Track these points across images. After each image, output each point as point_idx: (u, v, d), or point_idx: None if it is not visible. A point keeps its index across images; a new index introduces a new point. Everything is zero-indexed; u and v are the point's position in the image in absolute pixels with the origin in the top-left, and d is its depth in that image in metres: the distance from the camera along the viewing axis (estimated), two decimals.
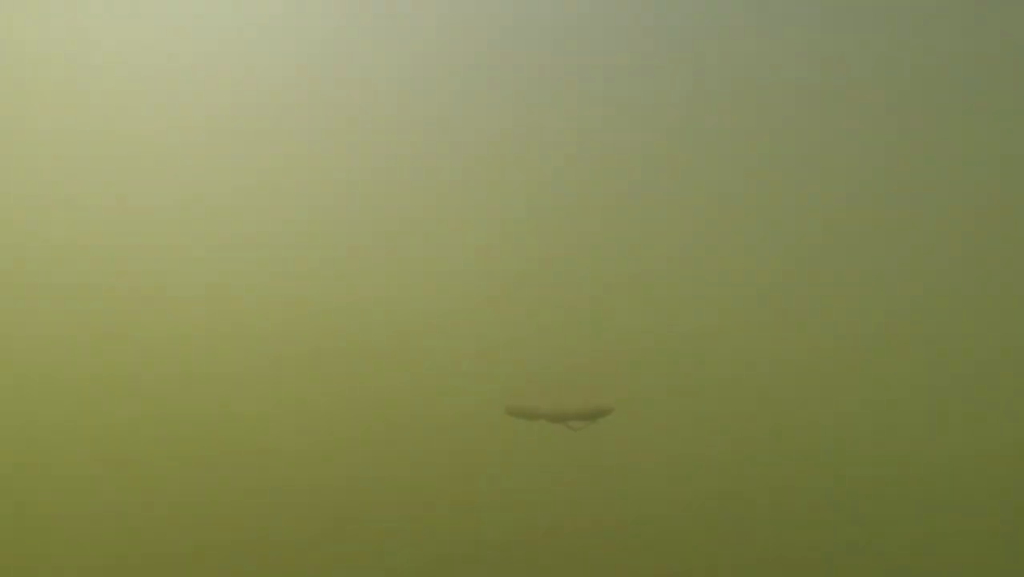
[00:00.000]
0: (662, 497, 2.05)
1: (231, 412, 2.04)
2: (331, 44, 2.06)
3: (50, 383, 2.01)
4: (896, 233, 2.02)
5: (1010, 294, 1.99)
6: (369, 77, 2.06)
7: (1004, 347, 1.99)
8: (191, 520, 2.02)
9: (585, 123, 2.06)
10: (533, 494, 2.05)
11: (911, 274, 2.02)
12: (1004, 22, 2.01)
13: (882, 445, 2.01)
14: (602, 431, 2.05)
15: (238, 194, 2.05)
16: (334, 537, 2.04)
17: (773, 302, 2.04)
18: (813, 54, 2.04)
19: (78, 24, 2.03)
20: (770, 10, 2.05)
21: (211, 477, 2.03)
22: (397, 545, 2.05)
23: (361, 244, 2.06)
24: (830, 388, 2.03)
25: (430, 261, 2.06)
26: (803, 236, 2.04)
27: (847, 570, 2.00)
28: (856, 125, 2.03)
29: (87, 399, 2.01)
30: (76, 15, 2.03)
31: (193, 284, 2.04)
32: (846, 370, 2.02)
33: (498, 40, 2.06)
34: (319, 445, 2.05)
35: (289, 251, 2.05)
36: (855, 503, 2.01)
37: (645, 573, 2.03)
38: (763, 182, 2.04)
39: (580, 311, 2.06)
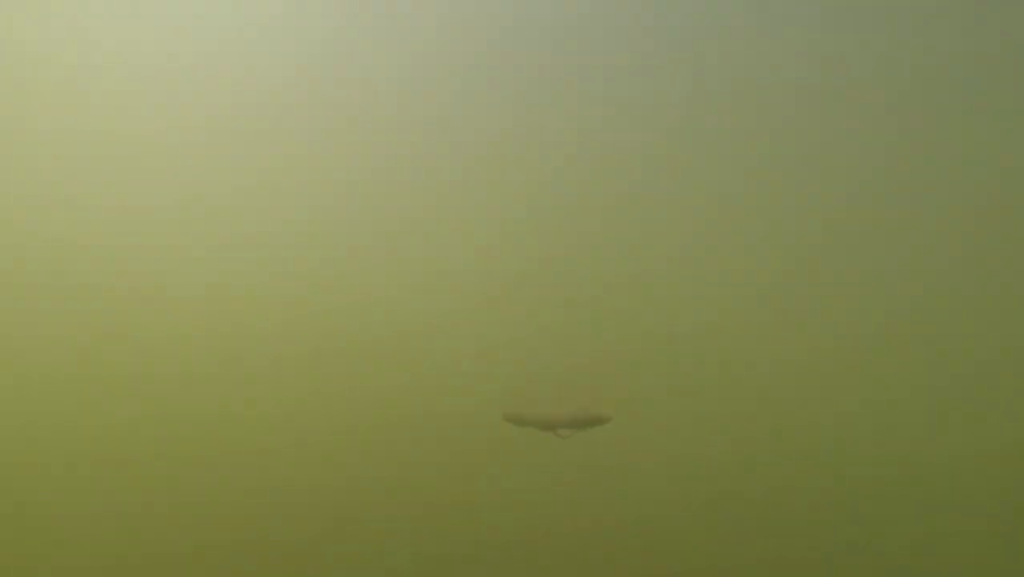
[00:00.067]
0: (662, 497, 2.05)
1: (231, 412, 2.04)
2: (331, 44, 2.06)
3: (50, 383, 2.01)
4: (896, 233, 2.02)
5: (1010, 294, 1.99)
6: (369, 77, 2.06)
7: (1004, 347, 1.99)
8: (191, 520, 2.02)
9: (585, 123, 2.06)
10: (533, 494, 2.05)
11: (911, 274, 2.02)
12: (1004, 22, 2.01)
13: (882, 445, 2.01)
14: (602, 431, 2.05)
15: (238, 194, 2.05)
16: (333, 537, 2.04)
17: (773, 302, 2.04)
18: (813, 54, 2.04)
19: (78, 24, 2.03)
20: (770, 10, 2.05)
21: (211, 477, 2.03)
22: (397, 545, 2.05)
23: (361, 244, 2.06)
24: (830, 388, 2.03)
25: (430, 261, 2.06)
26: (803, 236, 2.04)
27: (847, 570, 2.00)
28: (856, 125, 2.03)
29: (87, 399, 2.01)
30: (76, 15, 2.03)
31: (192, 284, 2.04)
32: (846, 370, 2.02)
33: (498, 40, 2.06)
34: (318, 445, 2.05)
35: (289, 251, 2.05)
36: (855, 503, 2.01)
37: (645, 573, 2.03)
38: (763, 182, 2.04)
39: (580, 311, 2.06)
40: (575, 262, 2.06)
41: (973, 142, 2.01)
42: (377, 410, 2.05)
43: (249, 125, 2.05)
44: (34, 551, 1.99)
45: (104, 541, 2.00)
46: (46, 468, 2.00)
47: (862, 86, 2.03)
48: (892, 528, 2.00)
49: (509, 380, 2.06)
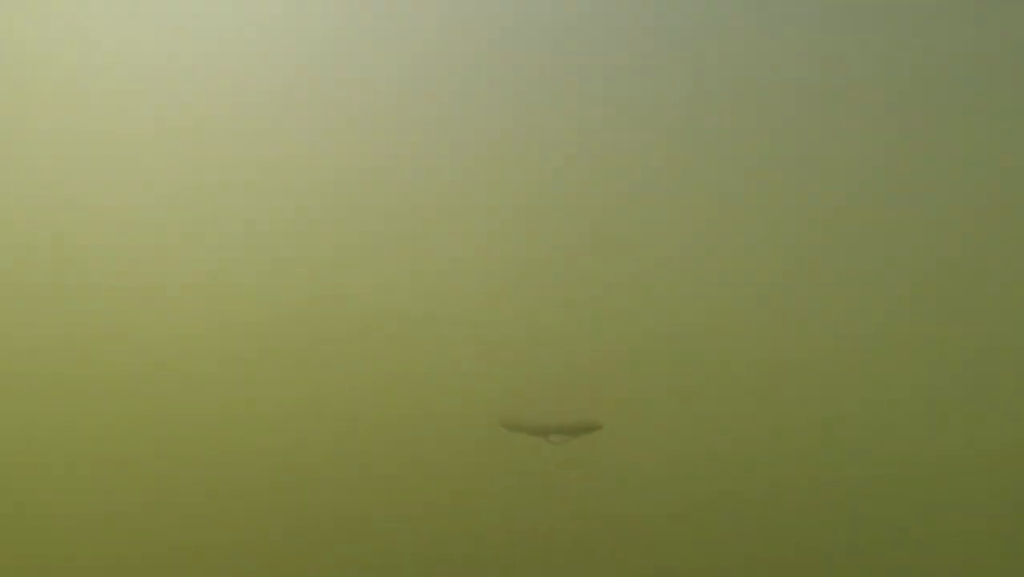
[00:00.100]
0: (660, 497, 2.04)
1: (230, 412, 2.04)
2: (331, 44, 2.06)
3: (50, 383, 2.01)
4: (896, 233, 2.02)
5: (1010, 294, 1.99)
6: (369, 77, 2.06)
7: (1004, 347, 1.99)
8: (190, 520, 2.02)
9: (585, 123, 2.06)
10: (531, 494, 2.05)
11: (911, 274, 2.02)
12: (1004, 22, 2.01)
13: (882, 445, 2.01)
14: (601, 431, 2.05)
15: (238, 194, 2.05)
16: (332, 537, 2.04)
17: (773, 302, 2.04)
18: (813, 54, 2.04)
19: (78, 24, 2.03)
20: (770, 10, 2.04)
21: (209, 476, 2.03)
22: (395, 545, 2.05)
23: (360, 244, 2.06)
24: (830, 388, 2.03)
25: (430, 261, 2.06)
26: (803, 236, 2.04)
27: (847, 570, 2.00)
28: (856, 125, 2.03)
29: (87, 399, 2.01)
30: (76, 15, 2.03)
31: (192, 284, 2.04)
32: (846, 370, 2.02)
33: (498, 40, 2.06)
34: (316, 445, 2.05)
35: (288, 251, 2.05)
36: (855, 503, 2.01)
37: (645, 573, 2.03)
38: (763, 182, 2.04)
39: (579, 312, 2.06)
40: (575, 262, 2.06)
41: (973, 142, 2.01)
42: (376, 410, 2.05)
43: (249, 125, 2.05)
44: (34, 551, 1.99)
45: (104, 541, 2.00)
46: (45, 468, 2.00)
47: (862, 86, 2.03)
48: (892, 528, 2.00)
49: (508, 380, 2.06)
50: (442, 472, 2.05)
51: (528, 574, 2.04)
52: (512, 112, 2.06)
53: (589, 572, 2.04)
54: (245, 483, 2.03)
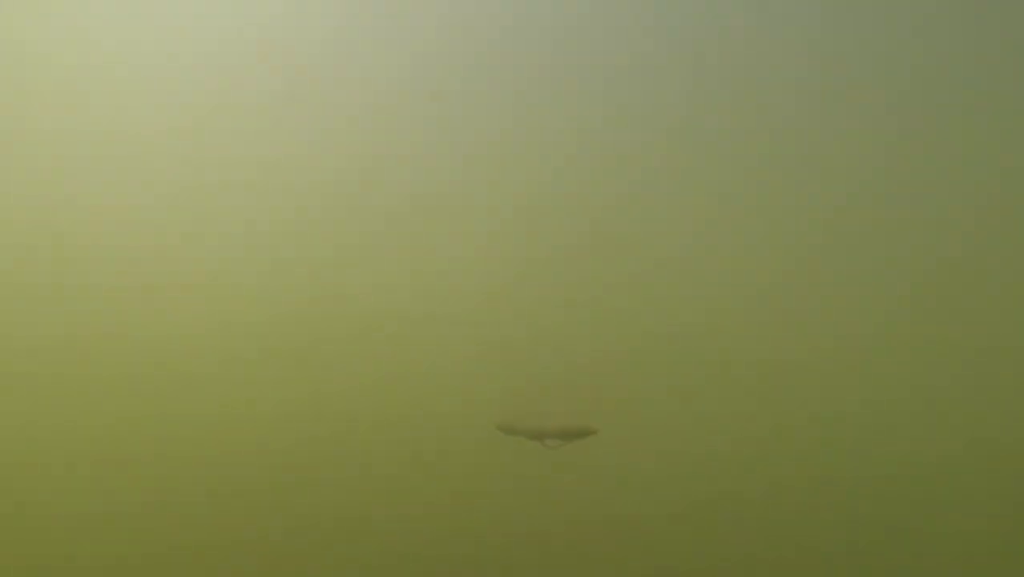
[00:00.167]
0: (660, 498, 2.04)
1: (231, 412, 2.04)
2: (331, 44, 2.06)
3: (50, 383, 2.01)
4: (896, 233, 2.02)
5: (1010, 294, 1.99)
6: (369, 77, 2.06)
7: (1004, 347, 1.99)
8: (190, 520, 2.02)
9: (585, 123, 2.06)
10: (532, 494, 2.05)
11: (911, 274, 2.02)
12: (1004, 22, 2.01)
13: (883, 445, 2.01)
14: (602, 431, 2.05)
15: (237, 194, 2.05)
16: (329, 536, 2.04)
17: (773, 302, 2.04)
18: (813, 54, 2.04)
19: (78, 24, 2.03)
20: (770, 10, 2.05)
21: (210, 477, 2.03)
22: (395, 545, 2.05)
23: (360, 244, 2.06)
24: (830, 388, 2.02)
25: (430, 261, 2.06)
26: (803, 236, 2.04)
27: (847, 570, 2.00)
28: (856, 125, 2.03)
29: (87, 399, 2.01)
30: (76, 15, 2.03)
31: (192, 284, 2.04)
32: (846, 370, 2.02)
33: (498, 40, 2.06)
34: (313, 445, 2.05)
35: (288, 252, 2.05)
36: (854, 503, 2.01)
37: (645, 574, 2.03)
38: (763, 182, 2.04)
39: (580, 311, 2.06)
40: (575, 262, 2.06)
41: (973, 142, 2.01)
42: (375, 410, 2.06)
43: (249, 125, 2.05)
44: (34, 551, 1.99)
45: (104, 541, 2.00)
46: (45, 468, 2.00)
47: (862, 86, 2.03)
48: (892, 528, 2.00)
49: (508, 380, 2.06)
50: (442, 472, 2.05)
51: (528, 574, 2.04)
52: (512, 112, 2.06)
53: (589, 572, 2.04)
54: (245, 483, 2.03)
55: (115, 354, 2.02)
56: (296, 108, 2.06)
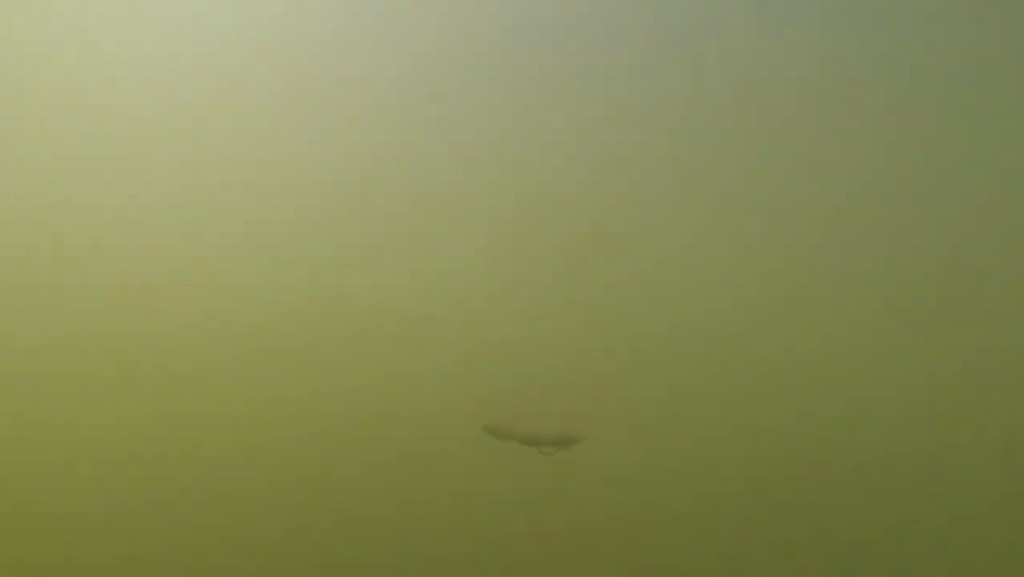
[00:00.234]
0: (660, 497, 2.04)
1: (231, 412, 2.04)
2: (331, 44, 2.06)
3: (50, 383, 2.01)
4: (896, 233, 2.02)
5: (1010, 294, 1.99)
6: (369, 77, 2.06)
7: (1005, 347, 1.99)
8: (190, 520, 2.02)
9: (585, 123, 2.06)
10: (532, 495, 2.05)
11: (911, 274, 2.02)
12: (1004, 22, 2.01)
13: (883, 445, 2.01)
14: (600, 431, 2.05)
15: (236, 194, 2.05)
16: (330, 536, 2.04)
17: (773, 303, 2.04)
18: (813, 54, 2.04)
19: (78, 24, 2.03)
20: (770, 10, 2.05)
21: (209, 477, 2.03)
22: (395, 545, 2.05)
23: (360, 244, 2.06)
24: (830, 388, 2.02)
25: (430, 261, 2.06)
26: (803, 236, 2.04)
27: (847, 571, 2.00)
28: (856, 125, 2.03)
29: (87, 399, 2.01)
30: (76, 15, 2.03)
31: (192, 284, 2.04)
32: (846, 370, 2.02)
33: (498, 40, 2.07)
34: (316, 445, 2.05)
35: (288, 251, 2.05)
36: (855, 504, 2.01)
37: (644, 573, 2.03)
38: (763, 182, 2.05)
39: (579, 311, 2.06)
40: (576, 263, 2.06)
41: (973, 142, 2.01)
42: (375, 410, 2.05)
43: (249, 125, 2.05)
44: (34, 551, 1.99)
45: (104, 541, 2.00)
46: (45, 468, 2.00)
47: (862, 86, 2.03)
48: (892, 528, 2.00)
49: (508, 381, 2.06)
50: (442, 472, 2.05)
51: (528, 574, 2.04)
52: (512, 112, 2.06)
53: (589, 572, 2.04)
54: (245, 483, 2.03)
55: (115, 354, 2.02)
56: (296, 108, 2.06)
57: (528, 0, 2.06)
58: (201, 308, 2.04)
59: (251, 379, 2.04)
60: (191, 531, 2.02)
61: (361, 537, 2.04)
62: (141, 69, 2.04)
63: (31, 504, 1.99)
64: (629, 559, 2.04)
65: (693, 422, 2.04)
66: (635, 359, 2.05)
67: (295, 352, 2.05)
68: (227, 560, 2.02)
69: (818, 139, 2.04)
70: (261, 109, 2.05)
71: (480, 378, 2.06)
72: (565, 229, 2.07)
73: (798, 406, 2.03)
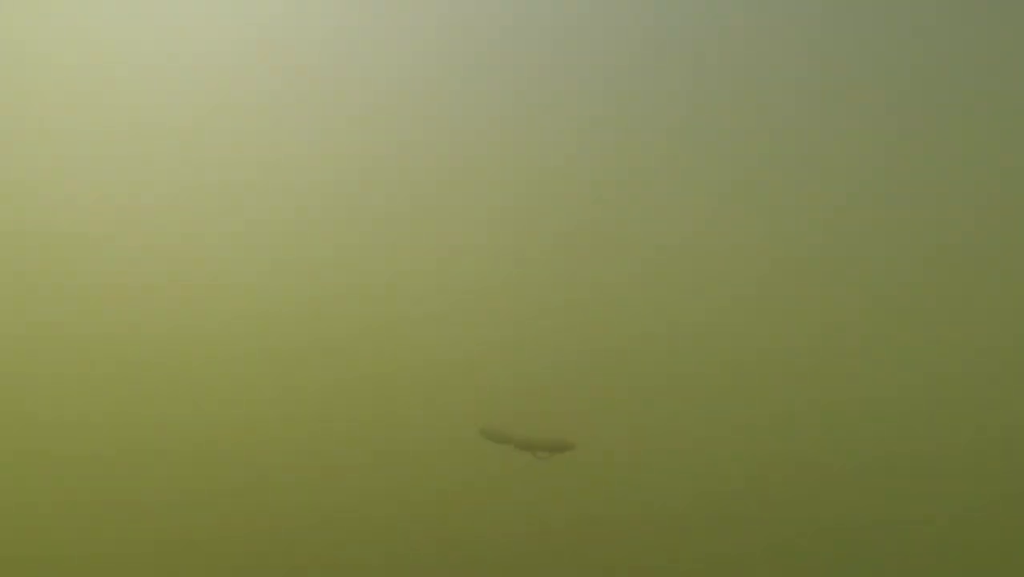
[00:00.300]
0: (659, 498, 2.05)
1: (231, 411, 2.04)
2: (331, 44, 2.06)
3: (50, 382, 2.01)
4: (896, 233, 2.02)
5: (1010, 294, 1.99)
6: (369, 77, 2.06)
7: (1005, 347, 1.99)
8: (189, 519, 2.02)
9: (585, 123, 2.06)
10: (532, 495, 2.05)
11: (911, 274, 2.02)
12: (1004, 22, 2.01)
13: (883, 445, 2.01)
14: (599, 431, 2.05)
15: (236, 194, 2.05)
16: (330, 536, 2.04)
17: (773, 302, 2.04)
18: (813, 54, 2.04)
19: (78, 24, 2.03)
20: (770, 10, 2.05)
21: (208, 476, 2.03)
22: (395, 545, 2.05)
23: (361, 244, 2.06)
24: (830, 388, 2.02)
25: (429, 261, 2.06)
26: (803, 236, 2.04)
27: (847, 570, 2.00)
28: (856, 125, 2.03)
29: (87, 399, 2.01)
30: (76, 15, 2.03)
31: (192, 284, 2.04)
32: (846, 370, 2.02)
33: (498, 40, 2.06)
34: (315, 445, 2.05)
35: (288, 251, 2.05)
36: (854, 504, 2.01)
37: (644, 573, 2.03)
38: (763, 182, 2.05)
39: (578, 311, 2.06)
40: (575, 262, 2.06)
41: (973, 142, 2.01)
42: (374, 410, 2.06)
43: (249, 125, 2.05)
44: (34, 551, 1.99)
45: (104, 541, 2.00)
46: (45, 467, 2.00)
47: (862, 86, 2.03)
48: (892, 528, 2.00)
49: (508, 380, 2.06)
50: (441, 472, 2.05)
51: (528, 574, 2.04)
52: (512, 112, 2.06)
53: (589, 572, 2.04)
54: (244, 482, 2.03)
55: (115, 354, 2.02)
56: (296, 108, 2.06)
57: (528, 0, 2.06)
58: (201, 308, 2.04)
59: (251, 378, 2.04)
60: (190, 529, 2.02)
61: (362, 536, 2.04)
62: (141, 69, 2.04)
63: (31, 504, 1.99)
64: (628, 559, 2.04)
65: (692, 422, 2.04)
66: (635, 359, 2.05)
67: (295, 352, 2.05)
68: (227, 559, 2.02)
69: (818, 139, 2.04)
70: (261, 109, 2.05)
71: (479, 377, 2.06)
72: (565, 229, 2.06)
73: (798, 406, 2.03)
